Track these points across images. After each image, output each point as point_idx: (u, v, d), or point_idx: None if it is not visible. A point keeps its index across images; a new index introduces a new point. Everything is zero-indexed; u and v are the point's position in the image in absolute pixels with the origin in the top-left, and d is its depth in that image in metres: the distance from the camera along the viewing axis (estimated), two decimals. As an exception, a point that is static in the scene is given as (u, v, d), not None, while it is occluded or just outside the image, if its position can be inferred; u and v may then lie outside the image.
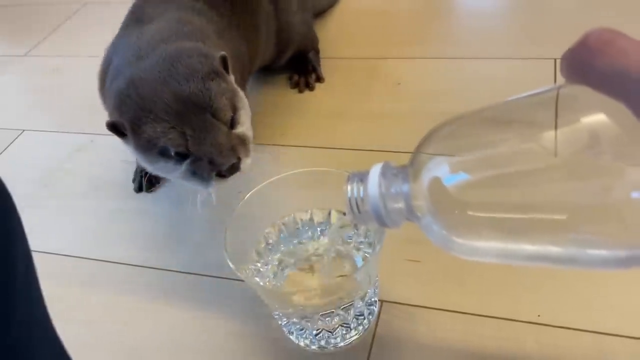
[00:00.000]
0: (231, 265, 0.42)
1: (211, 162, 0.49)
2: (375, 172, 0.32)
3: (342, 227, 0.49)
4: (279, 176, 0.48)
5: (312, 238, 0.50)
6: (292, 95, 0.79)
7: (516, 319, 0.47)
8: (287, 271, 0.49)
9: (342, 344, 0.48)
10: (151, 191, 0.68)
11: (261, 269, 0.47)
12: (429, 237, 0.31)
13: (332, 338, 0.47)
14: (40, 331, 0.31)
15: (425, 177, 0.29)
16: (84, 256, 0.62)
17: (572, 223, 0.25)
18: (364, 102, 0.75)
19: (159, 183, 0.69)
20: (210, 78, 0.50)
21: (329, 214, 0.49)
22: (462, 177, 0.27)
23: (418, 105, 0.73)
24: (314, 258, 0.49)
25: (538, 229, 0.26)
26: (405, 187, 0.31)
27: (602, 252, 0.25)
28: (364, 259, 0.48)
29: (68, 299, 0.57)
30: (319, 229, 0.50)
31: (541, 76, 0.72)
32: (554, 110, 0.25)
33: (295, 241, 0.50)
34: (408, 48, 0.83)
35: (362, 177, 0.33)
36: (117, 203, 0.68)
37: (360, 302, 0.46)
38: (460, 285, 0.51)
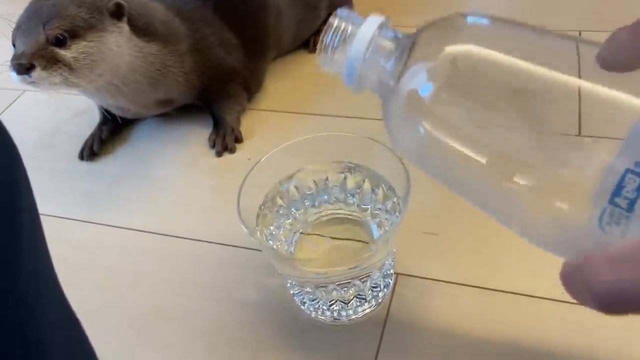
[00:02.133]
0: (244, 229, 0.39)
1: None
2: (375, 21, 0.30)
3: (359, 191, 0.46)
4: (294, 141, 0.45)
5: (327, 202, 0.47)
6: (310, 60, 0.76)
7: (540, 295, 0.45)
8: (298, 237, 0.46)
9: (355, 316, 0.45)
10: (85, 160, 0.67)
11: (273, 232, 0.45)
12: (384, 117, 0.30)
13: (346, 310, 0.44)
14: (48, 287, 0.29)
15: (417, 69, 0.27)
16: (87, 220, 0.59)
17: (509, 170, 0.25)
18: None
19: (100, 151, 0.67)
20: (78, 4, 0.55)
21: (345, 178, 0.46)
22: (442, 95, 0.27)
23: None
24: (328, 224, 0.47)
25: (480, 168, 0.26)
26: (397, 54, 0.29)
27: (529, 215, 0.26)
28: (380, 225, 0.45)
29: (70, 263, 0.55)
30: (333, 193, 0.47)
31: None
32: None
33: (308, 204, 0.47)
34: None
35: (355, 20, 0.30)
36: (119, 168, 0.65)
37: (378, 273, 0.43)
38: (480, 260, 0.48)
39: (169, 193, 0.61)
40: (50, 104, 0.75)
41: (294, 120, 0.67)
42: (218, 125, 0.66)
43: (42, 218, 0.29)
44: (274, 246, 0.44)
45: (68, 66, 0.54)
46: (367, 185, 0.46)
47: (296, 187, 0.47)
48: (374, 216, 0.46)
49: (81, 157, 0.67)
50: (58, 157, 0.68)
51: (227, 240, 0.53)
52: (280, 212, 0.46)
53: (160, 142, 0.67)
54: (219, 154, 0.63)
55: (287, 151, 0.45)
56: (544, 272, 0.46)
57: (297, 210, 0.47)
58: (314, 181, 0.47)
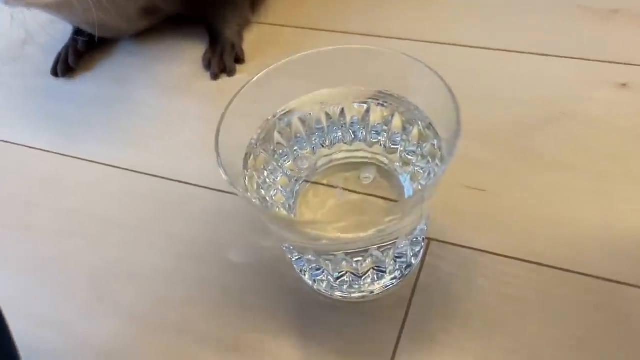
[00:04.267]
0: (224, 176, 0.28)
1: None
2: None
3: (385, 129, 0.34)
4: (299, 55, 0.33)
5: (342, 140, 0.35)
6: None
7: (605, 277, 0.33)
8: (300, 186, 0.35)
9: (371, 291, 0.34)
10: (60, 76, 0.55)
11: (268, 179, 0.34)
12: None
13: (360, 284, 0.34)
14: None
15: None
16: (50, 149, 0.48)
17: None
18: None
19: (76, 65, 0.56)
20: None
21: (367, 110, 0.35)
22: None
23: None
24: (342, 169, 0.35)
25: None
26: None
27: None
28: (413, 178, 0.33)
29: (28, 201, 0.45)
30: (351, 129, 0.35)
31: None
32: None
33: (317, 142, 0.35)
34: None
35: None
36: (96, 88, 0.54)
37: (405, 241, 0.32)
38: (538, 228, 0.37)
39: (152, 122, 0.49)
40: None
41: (311, 38, 0.54)
42: (215, 41, 0.54)
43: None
44: (267, 197, 0.33)
45: None
46: (397, 121, 0.34)
47: (301, 120, 0.35)
48: (404, 163, 0.34)
49: (55, 73, 0.55)
50: (27, 73, 0.57)
51: (216, 184, 0.43)
52: (280, 151, 0.35)
53: (145, 60, 0.55)
54: (214, 77, 0.51)
55: (289, 69, 0.33)
56: (623, 253, 0.34)
57: (301, 149, 0.35)
58: (326, 112, 0.35)
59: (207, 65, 0.52)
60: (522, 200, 0.38)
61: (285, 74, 0.33)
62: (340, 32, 0.54)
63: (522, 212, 0.37)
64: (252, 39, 0.55)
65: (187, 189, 0.43)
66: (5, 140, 0.50)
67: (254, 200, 0.30)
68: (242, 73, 0.52)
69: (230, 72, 0.51)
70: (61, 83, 0.55)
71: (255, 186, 0.32)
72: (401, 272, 0.34)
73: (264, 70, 0.32)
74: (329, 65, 0.33)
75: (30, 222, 0.43)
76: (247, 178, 0.32)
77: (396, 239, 0.30)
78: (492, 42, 0.49)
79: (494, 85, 0.46)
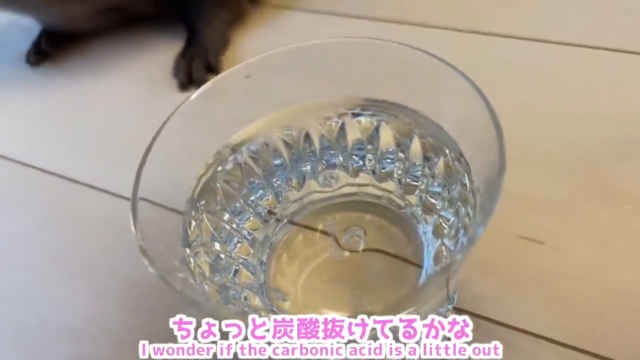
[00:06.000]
0: (144, 259, 0.18)
1: None
2: None
3: (402, 156, 0.24)
4: (292, 46, 0.24)
5: (341, 168, 0.25)
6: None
7: None
8: (278, 233, 0.25)
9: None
10: (33, 64, 0.46)
11: (227, 225, 0.24)
12: None
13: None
14: None
15: None
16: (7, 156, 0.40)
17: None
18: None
19: (47, 52, 0.47)
20: None
21: (377, 128, 0.24)
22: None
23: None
24: (339, 209, 0.25)
25: None
26: None
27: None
28: (438, 231, 0.23)
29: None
30: (355, 154, 0.25)
31: None
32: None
33: (307, 169, 0.25)
34: None
35: None
36: (66, 85, 0.45)
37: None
38: (614, 307, 0.25)
39: (117, 131, 0.40)
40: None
41: (331, 26, 0.44)
42: (190, 42, 0.43)
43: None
44: (222, 253, 0.23)
45: None
46: (416, 146, 0.24)
47: (283, 141, 0.25)
48: (426, 208, 0.24)
49: (28, 60, 0.47)
50: (3, 60, 0.49)
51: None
52: (255, 182, 0.25)
53: (115, 58, 0.46)
54: (181, 86, 0.40)
55: (263, 69, 0.23)
56: None
57: (283, 181, 0.25)
58: (319, 130, 0.25)
59: (176, 72, 0.41)
60: (596, 258, 0.27)
61: (255, 75, 0.23)
62: (357, 17, 0.43)
63: (595, 278, 0.26)
64: (249, 25, 0.45)
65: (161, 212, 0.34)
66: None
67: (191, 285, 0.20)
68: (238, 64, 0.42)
69: (199, 82, 0.39)
70: (34, 74, 0.47)
71: (206, 238, 0.22)
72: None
73: (210, 81, 0.23)
74: (320, 63, 0.23)
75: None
76: (193, 223, 0.22)
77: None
78: (552, 32, 0.38)
79: (556, 92, 0.34)
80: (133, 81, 0.43)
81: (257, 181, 0.25)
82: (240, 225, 0.24)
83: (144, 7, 0.44)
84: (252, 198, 0.25)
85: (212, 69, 0.41)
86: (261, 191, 0.25)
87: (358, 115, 0.25)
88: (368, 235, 0.25)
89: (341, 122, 0.25)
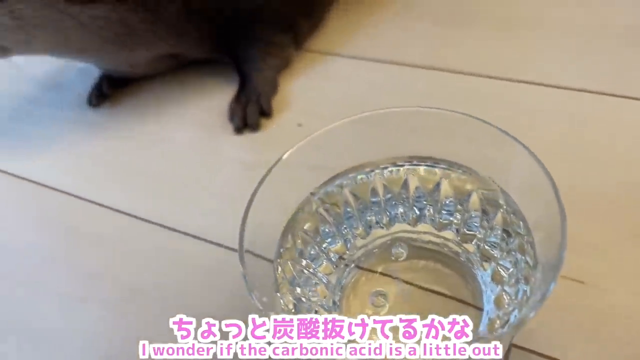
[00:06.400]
0: (249, 292, 0.21)
1: None
2: None
3: (459, 208, 0.27)
4: (354, 118, 0.26)
5: (403, 218, 0.28)
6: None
7: None
8: (347, 276, 0.28)
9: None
10: (95, 105, 0.50)
11: (305, 270, 0.27)
12: None
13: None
14: None
15: None
16: (73, 193, 0.44)
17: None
18: (494, 3, 0.50)
19: (108, 94, 0.50)
20: None
21: (438, 185, 0.27)
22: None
23: (583, 12, 0.47)
24: (399, 260, 0.28)
25: None
26: None
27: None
28: (496, 277, 0.26)
29: (48, 257, 0.40)
30: (416, 205, 0.28)
31: None
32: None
33: (371, 219, 0.28)
34: None
35: None
36: (125, 125, 0.48)
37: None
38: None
39: (179, 168, 0.43)
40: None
41: (364, 71, 0.47)
42: (243, 87, 0.46)
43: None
44: (303, 296, 0.26)
45: None
46: (475, 200, 0.26)
47: (352, 193, 0.28)
48: (484, 256, 0.26)
49: (90, 102, 0.51)
50: (61, 101, 0.53)
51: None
52: (326, 230, 0.28)
53: (174, 100, 0.49)
54: (237, 131, 0.43)
55: (333, 138, 0.26)
56: None
57: (351, 228, 0.28)
58: (384, 183, 0.28)
59: (231, 116, 0.44)
60: (633, 297, 0.29)
61: (333, 139, 0.26)
62: (397, 63, 0.46)
63: (634, 316, 0.29)
64: (298, 70, 0.48)
65: (222, 253, 0.37)
66: (26, 177, 0.46)
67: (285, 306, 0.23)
68: (289, 110, 0.45)
69: (253, 127, 0.43)
70: (93, 114, 0.50)
71: (288, 283, 0.25)
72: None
73: (305, 140, 0.26)
74: (386, 129, 0.26)
75: (42, 278, 0.38)
76: (279, 269, 0.25)
77: None
78: (593, 82, 0.41)
79: (597, 139, 0.37)
80: (188, 122, 0.47)
81: (328, 229, 0.28)
82: (316, 269, 0.27)
83: (199, 53, 0.48)
84: (324, 245, 0.28)
85: (265, 113, 0.44)
86: (331, 239, 0.28)
87: (419, 167, 0.28)
88: (425, 277, 0.28)
89: (405, 178, 0.27)
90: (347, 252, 0.28)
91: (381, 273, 0.28)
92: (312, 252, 0.27)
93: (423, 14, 0.51)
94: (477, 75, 0.43)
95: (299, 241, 0.27)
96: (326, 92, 0.46)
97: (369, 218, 0.28)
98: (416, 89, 0.44)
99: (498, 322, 0.24)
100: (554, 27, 0.46)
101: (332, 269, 0.27)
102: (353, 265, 0.28)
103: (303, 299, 0.25)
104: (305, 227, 0.27)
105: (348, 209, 0.28)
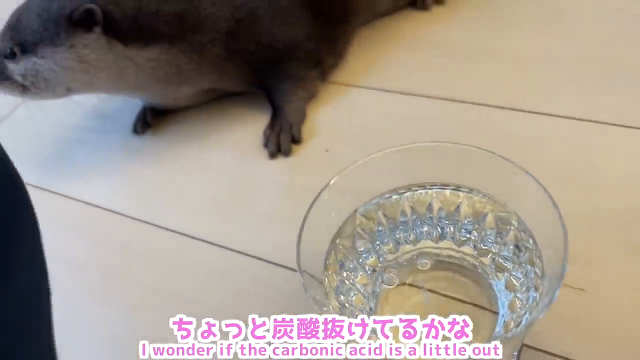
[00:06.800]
0: (305, 290, 0.26)
1: None
2: None
3: (476, 227, 0.31)
4: (387, 151, 0.31)
5: (428, 236, 0.33)
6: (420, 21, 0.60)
7: None
8: (381, 286, 0.32)
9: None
10: (140, 133, 0.55)
11: (346, 280, 0.31)
12: None
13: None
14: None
15: None
16: (125, 213, 0.48)
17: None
18: (505, 37, 0.55)
19: (151, 123, 0.56)
20: (38, 13, 0.45)
21: (458, 207, 0.32)
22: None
23: (589, 46, 0.52)
24: (424, 268, 0.33)
25: None
26: None
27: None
28: (509, 286, 0.30)
29: (106, 274, 0.45)
30: (439, 225, 0.33)
31: None
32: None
33: (400, 236, 0.33)
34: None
35: None
36: (171, 150, 0.54)
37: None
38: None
39: (224, 188, 0.48)
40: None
41: (391, 102, 0.52)
42: (275, 117, 0.51)
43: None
44: (346, 302, 0.30)
45: (18, 82, 0.46)
46: (490, 220, 0.31)
47: (384, 214, 0.33)
48: (498, 268, 0.31)
49: (135, 130, 0.56)
50: (109, 130, 0.58)
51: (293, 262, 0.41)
52: (361, 248, 0.33)
53: (210, 130, 0.54)
54: (272, 156, 0.49)
55: (370, 167, 0.31)
56: None
57: (383, 244, 0.33)
58: (411, 206, 0.33)
59: (266, 142, 0.50)
60: (626, 303, 0.34)
61: (364, 171, 0.31)
62: (412, 94, 0.51)
63: (627, 319, 0.33)
64: (325, 100, 0.53)
65: (263, 267, 0.41)
66: (79, 199, 0.51)
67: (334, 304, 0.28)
68: (317, 136, 0.50)
69: (285, 153, 0.49)
70: (139, 141, 0.55)
71: (333, 292, 0.30)
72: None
73: (348, 168, 0.30)
74: (417, 161, 0.31)
75: (110, 294, 0.43)
76: (327, 279, 0.30)
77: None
78: (595, 113, 0.45)
79: (595, 165, 0.42)
80: (226, 147, 0.52)
81: (364, 246, 0.33)
82: (354, 280, 0.32)
83: (236, 87, 0.53)
84: (361, 259, 0.32)
85: (295, 140, 0.49)
86: (366, 254, 0.33)
87: (445, 190, 0.32)
88: (447, 286, 0.32)
89: (430, 201, 0.32)
90: (379, 264, 0.33)
91: (409, 284, 0.33)
92: (351, 266, 0.32)
93: (436, 48, 0.56)
94: (487, 106, 0.48)
95: (341, 255, 0.31)
96: (349, 120, 0.51)
97: (398, 235, 0.33)
98: (430, 118, 0.49)
99: (512, 323, 0.28)
100: (561, 61, 0.51)
101: (367, 279, 0.32)
102: (386, 276, 0.33)
103: (346, 305, 0.30)
104: (345, 244, 0.32)
105: (380, 228, 0.33)
